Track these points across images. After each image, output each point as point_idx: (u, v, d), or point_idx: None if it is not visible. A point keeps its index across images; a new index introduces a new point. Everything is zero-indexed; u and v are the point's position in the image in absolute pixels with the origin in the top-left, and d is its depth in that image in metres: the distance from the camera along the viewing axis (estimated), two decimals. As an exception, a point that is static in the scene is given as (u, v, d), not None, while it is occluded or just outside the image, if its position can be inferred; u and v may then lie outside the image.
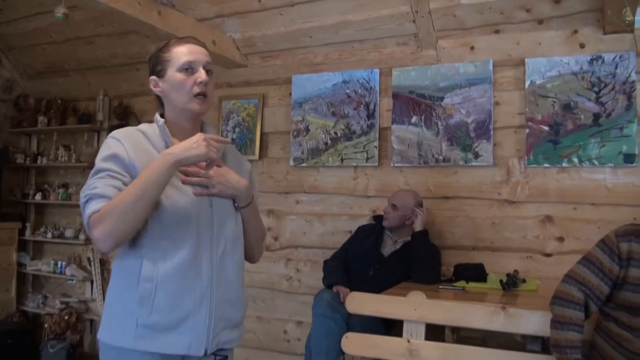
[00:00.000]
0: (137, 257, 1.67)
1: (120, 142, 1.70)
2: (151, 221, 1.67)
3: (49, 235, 5.58)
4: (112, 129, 5.25)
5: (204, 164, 1.74)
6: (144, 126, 1.82)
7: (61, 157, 5.54)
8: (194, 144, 1.65)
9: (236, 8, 4.19)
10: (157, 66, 1.82)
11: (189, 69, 1.76)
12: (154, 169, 1.60)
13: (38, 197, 5.68)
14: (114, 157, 1.67)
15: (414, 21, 3.86)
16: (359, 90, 4.25)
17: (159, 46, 1.86)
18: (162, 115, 1.85)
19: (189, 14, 4.14)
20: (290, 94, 4.53)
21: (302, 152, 4.42)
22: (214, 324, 1.71)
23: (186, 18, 4.05)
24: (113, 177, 1.64)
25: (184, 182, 1.72)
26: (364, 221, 4.10)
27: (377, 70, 4.22)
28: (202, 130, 1.88)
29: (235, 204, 1.84)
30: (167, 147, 1.75)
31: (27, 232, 5.71)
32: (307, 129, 4.41)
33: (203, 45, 1.85)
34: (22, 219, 5.78)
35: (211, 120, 4.58)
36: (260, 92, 4.70)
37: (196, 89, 1.75)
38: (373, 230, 3.82)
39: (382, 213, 3.81)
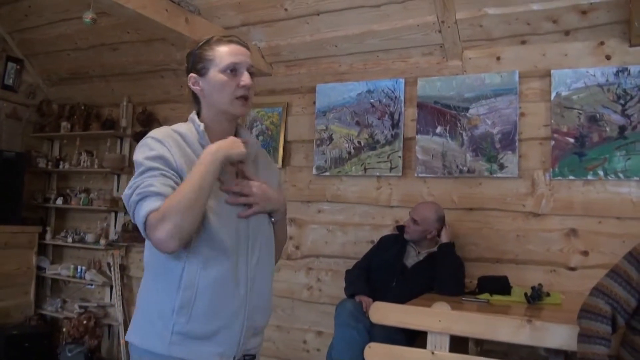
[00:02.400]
0: (179, 262, 1.64)
1: (162, 143, 1.68)
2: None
3: (70, 239, 5.68)
4: (135, 135, 5.35)
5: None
6: (180, 127, 1.78)
7: (84, 162, 5.66)
8: (234, 144, 1.70)
9: (262, 17, 4.27)
10: (198, 64, 1.79)
11: (233, 70, 1.75)
12: (207, 164, 1.61)
13: (59, 201, 5.79)
14: (161, 158, 1.65)
15: (439, 31, 3.91)
16: (384, 100, 4.31)
17: (200, 42, 1.82)
18: (198, 114, 1.84)
19: (215, 22, 4.24)
20: (314, 102, 4.60)
21: (325, 161, 4.48)
22: (245, 333, 1.73)
23: (212, 26, 4.14)
24: (166, 176, 1.62)
25: (227, 202, 1.72)
26: (387, 231, 4.15)
27: (402, 80, 4.27)
28: (236, 132, 1.88)
29: (272, 218, 1.87)
30: None
31: (48, 236, 5.81)
32: (331, 138, 4.47)
33: (246, 46, 1.83)
34: (42, 223, 5.88)
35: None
36: (284, 100, 4.77)
37: (239, 92, 1.74)
38: (396, 241, 3.85)
39: (404, 224, 3.86)
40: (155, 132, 1.73)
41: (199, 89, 1.80)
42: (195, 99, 1.85)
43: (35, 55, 5.79)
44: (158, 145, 1.67)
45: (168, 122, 5.22)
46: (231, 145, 1.69)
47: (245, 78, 1.75)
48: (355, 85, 4.43)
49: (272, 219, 1.87)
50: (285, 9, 4.14)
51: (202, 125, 1.78)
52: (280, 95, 4.79)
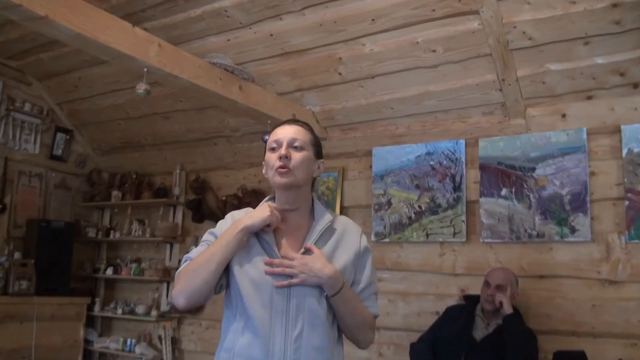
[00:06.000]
0: (228, 325, 1.89)
1: (226, 221, 2.01)
2: (235, 294, 1.87)
3: (119, 311, 5.79)
4: (188, 203, 5.48)
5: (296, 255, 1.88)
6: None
7: (135, 231, 5.82)
8: (259, 211, 1.90)
9: (316, 81, 4.42)
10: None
11: (275, 147, 1.96)
12: (224, 235, 1.87)
13: (109, 271, 5.94)
14: (214, 234, 1.97)
15: (500, 89, 3.95)
16: (444, 162, 4.34)
17: None
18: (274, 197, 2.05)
19: (269, 89, 4.40)
20: (371, 166, 4.67)
21: (385, 227, 4.50)
22: None
23: (266, 92, 4.29)
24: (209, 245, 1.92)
25: (267, 273, 1.84)
26: (452, 301, 4.11)
27: (462, 141, 4.31)
28: (312, 208, 2.03)
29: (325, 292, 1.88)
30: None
31: (96, 308, 5.93)
32: (389, 203, 4.51)
33: (302, 124, 2.03)
34: (91, 294, 6.00)
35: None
36: (339, 165, 4.86)
37: (277, 163, 1.91)
38: (463, 311, 3.80)
39: (480, 294, 3.76)
40: (231, 212, 2.07)
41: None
42: None
43: (85, 125, 6.07)
44: (222, 222, 2.03)
45: (221, 189, 5.44)
46: (254, 215, 1.90)
47: (281, 149, 1.93)
48: (413, 148, 4.49)
49: (326, 294, 1.87)
50: (340, 73, 4.27)
51: (263, 201, 2.04)
52: (335, 160, 4.87)
